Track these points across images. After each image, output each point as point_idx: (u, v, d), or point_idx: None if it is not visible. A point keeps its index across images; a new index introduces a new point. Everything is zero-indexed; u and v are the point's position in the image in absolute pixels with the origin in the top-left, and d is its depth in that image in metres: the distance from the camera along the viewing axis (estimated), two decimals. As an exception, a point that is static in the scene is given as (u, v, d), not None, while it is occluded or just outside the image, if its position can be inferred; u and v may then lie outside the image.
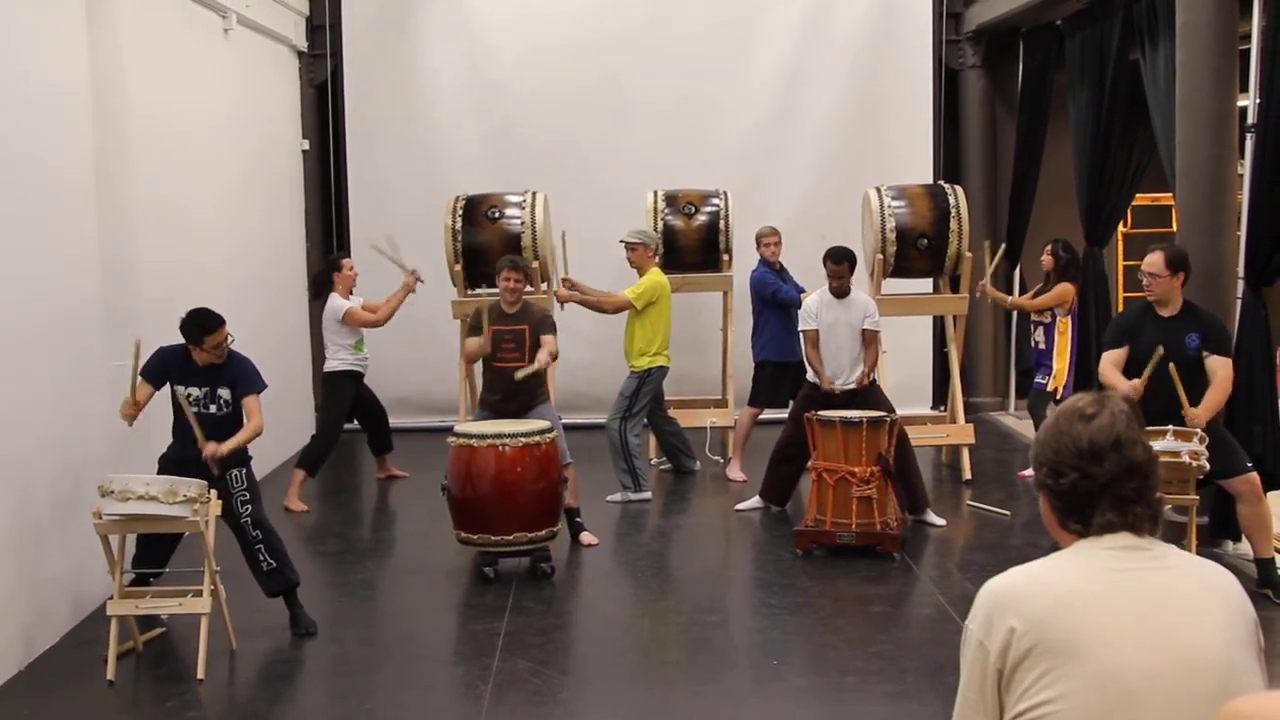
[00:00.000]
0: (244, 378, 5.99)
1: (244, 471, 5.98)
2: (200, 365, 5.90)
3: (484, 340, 7.23)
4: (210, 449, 5.76)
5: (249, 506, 5.93)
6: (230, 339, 5.93)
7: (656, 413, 9.08)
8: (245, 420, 5.97)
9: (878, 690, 5.20)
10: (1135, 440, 2.22)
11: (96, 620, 5.98)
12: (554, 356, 7.32)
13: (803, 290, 9.01)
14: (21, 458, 5.65)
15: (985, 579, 2.29)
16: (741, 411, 9.34)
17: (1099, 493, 2.21)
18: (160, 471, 5.85)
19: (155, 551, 5.97)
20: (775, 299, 9.08)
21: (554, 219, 9.81)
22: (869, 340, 7.94)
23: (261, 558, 5.94)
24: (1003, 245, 9.96)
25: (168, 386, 5.96)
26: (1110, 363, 6.29)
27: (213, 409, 5.93)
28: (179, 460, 5.88)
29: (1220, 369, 6.15)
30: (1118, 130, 9.73)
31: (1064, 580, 2.19)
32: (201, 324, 5.85)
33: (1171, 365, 5.98)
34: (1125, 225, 12.29)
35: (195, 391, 5.91)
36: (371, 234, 9.46)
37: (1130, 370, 6.22)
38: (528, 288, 7.70)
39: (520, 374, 7.12)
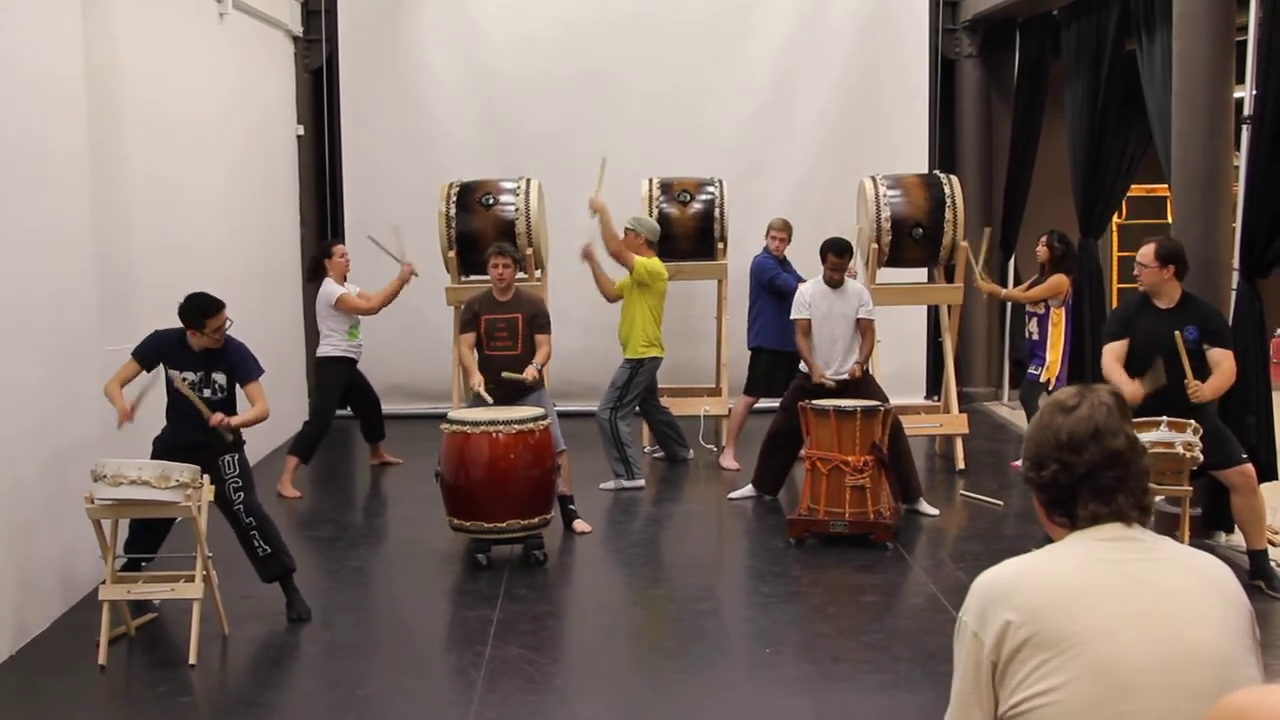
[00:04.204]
0: (241, 364, 5.98)
1: (236, 458, 5.96)
2: (195, 350, 5.88)
3: (483, 391, 7.20)
4: (219, 417, 5.77)
5: (241, 494, 5.91)
6: (229, 323, 5.92)
7: (649, 402, 9.07)
8: (250, 405, 5.99)
9: (870, 679, 5.21)
10: (1116, 430, 2.22)
11: (88, 605, 5.97)
12: (546, 358, 7.37)
13: (801, 281, 8.99)
14: (12, 441, 5.62)
15: (978, 569, 2.29)
16: (737, 400, 9.34)
17: (1078, 483, 2.21)
18: (154, 456, 5.84)
19: (147, 536, 5.96)
20: (773, 285, 9.06)
21: (548, 206, 9.79)
22: (864, 329, 7.94)
23: (256, 544, 5.92)
24: (987, 229, 9.89)
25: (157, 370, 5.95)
26: (1113, 356, 6.24)
27: (206, 394, 5.90)
28: (173, 445, 5.86)
29: (1224, 360, 6.14)
30: (1113, 121, 9.72)
31: (1059, 572, 2.18)
32: (202, 308, 5.84)
33: (1184, 353, 5.98)
34: (1120, 216, 12.32)
35: (190, 376, 5.89)
36: (366, 219, 9.47)
37: (1129, 365, 6.19)
38: (519, 274, 7.67)
39: (506, 374, 7.11)
